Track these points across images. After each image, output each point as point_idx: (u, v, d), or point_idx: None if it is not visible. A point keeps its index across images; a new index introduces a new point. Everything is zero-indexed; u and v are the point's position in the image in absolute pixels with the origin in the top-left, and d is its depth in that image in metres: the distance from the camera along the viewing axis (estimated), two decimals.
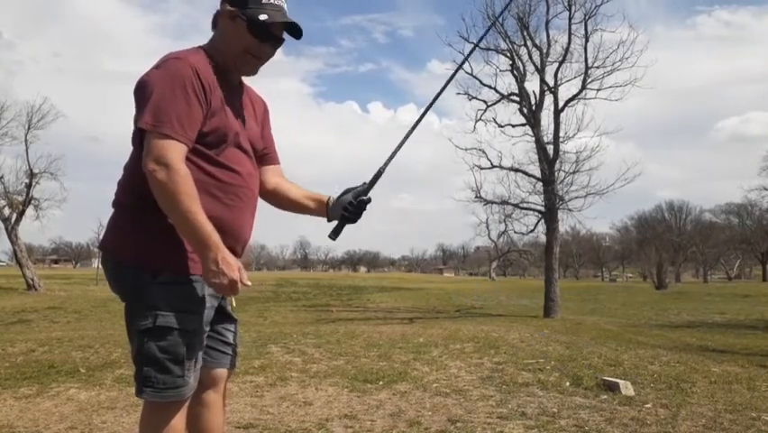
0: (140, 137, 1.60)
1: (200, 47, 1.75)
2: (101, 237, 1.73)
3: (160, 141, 1.53)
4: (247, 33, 1.68)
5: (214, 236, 1.53)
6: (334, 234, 1.88)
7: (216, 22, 1.75)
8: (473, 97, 16.19)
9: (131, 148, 1.69)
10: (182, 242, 1.61)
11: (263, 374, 4.54)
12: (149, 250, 1.62)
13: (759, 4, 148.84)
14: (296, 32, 1.77)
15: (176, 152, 1.53)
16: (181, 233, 1.56)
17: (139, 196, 1.59)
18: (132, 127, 1.64)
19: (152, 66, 1.64)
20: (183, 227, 1.54)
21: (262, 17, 1.67)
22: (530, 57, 15.63)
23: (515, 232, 17.65)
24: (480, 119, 16.12)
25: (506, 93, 15.89)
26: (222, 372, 1.85)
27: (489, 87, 15.97)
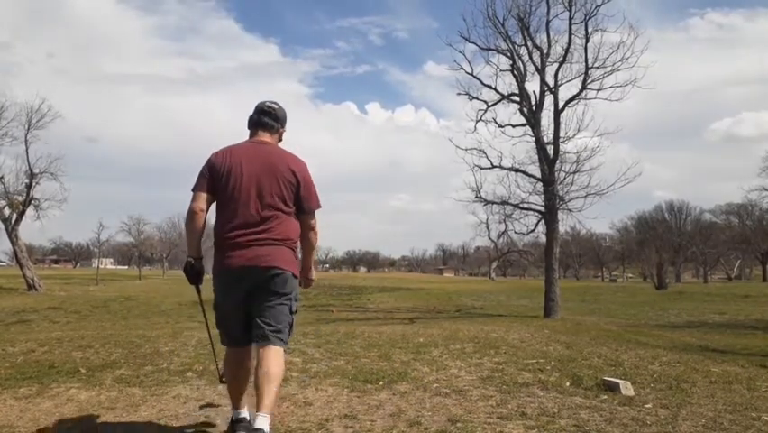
0: (301, 207, 2.91)
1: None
2: (276, 260, 2.84)
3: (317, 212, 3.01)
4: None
5: None
6: None
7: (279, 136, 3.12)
8: (474, 98, 16.19)
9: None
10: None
11: None
12: (298, 268, 2.98)
13: (750, 7, 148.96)
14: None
15: None
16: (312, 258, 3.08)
17: (296, 240, 2.94)
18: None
19: (303, 166, 2.93)
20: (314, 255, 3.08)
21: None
22: (530, 57, 15.64)
23: (515, 232, 17.59)
24: (481, 119, 16.13)
25: (506, 93, 15.89)
26: None
27: (490, 87, 15.98)
